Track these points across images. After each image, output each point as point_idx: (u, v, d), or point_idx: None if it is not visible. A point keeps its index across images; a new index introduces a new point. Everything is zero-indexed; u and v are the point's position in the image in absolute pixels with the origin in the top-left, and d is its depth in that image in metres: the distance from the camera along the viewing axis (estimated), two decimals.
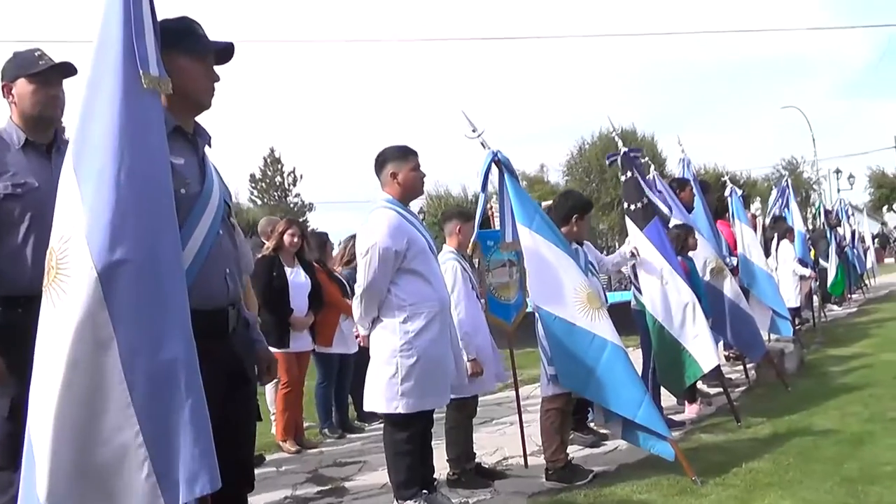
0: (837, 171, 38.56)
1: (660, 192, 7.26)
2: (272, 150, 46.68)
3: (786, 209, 13.95)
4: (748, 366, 8.49)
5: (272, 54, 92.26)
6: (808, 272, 12.00)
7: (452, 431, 5.28)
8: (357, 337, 6.72)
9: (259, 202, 45.02)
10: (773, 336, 9.67)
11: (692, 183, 8.13)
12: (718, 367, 8.40)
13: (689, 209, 7.75)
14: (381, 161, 4.52)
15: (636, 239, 6.36)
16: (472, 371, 5.11)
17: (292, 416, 6.96)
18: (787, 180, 14.18)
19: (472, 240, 5.40)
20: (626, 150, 6.49)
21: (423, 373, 4.31)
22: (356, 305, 4.45)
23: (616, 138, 6.60)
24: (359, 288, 4.40)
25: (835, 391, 7.34)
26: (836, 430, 5.83)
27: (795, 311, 12.13)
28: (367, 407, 4.56)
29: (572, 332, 4.82)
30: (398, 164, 4.46)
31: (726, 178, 10.57)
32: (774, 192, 15.23)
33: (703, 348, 6.21)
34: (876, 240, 34.43)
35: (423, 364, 4.30)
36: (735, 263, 8.46)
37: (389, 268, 4.29)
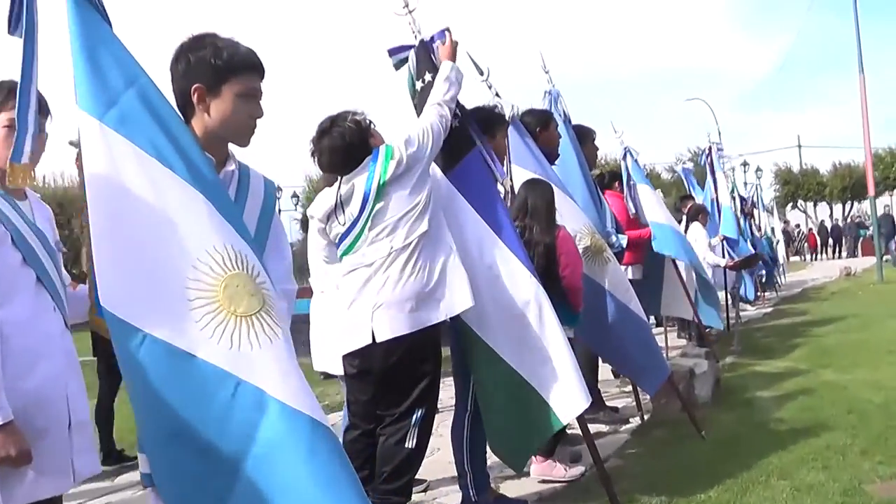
0: (745, 164, 37.09)
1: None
2: None
3: (696, 189, 11.59)
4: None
5: (164, 27, 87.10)
6: (721, 261, 9.52)
7: None
8: None
9: None
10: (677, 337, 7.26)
11: (560, 122, 5.40)
12: (598, 394, 5.77)
13: (552, 158, 5.02)
14: None
15: (440, 186, 3.58)
16: (4, 454, 2.19)
17: None
18: (710, 142, 11.47)
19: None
20: (423, 38, 3.72)
21: None
22: None
23: (412, 27, 3.75)
24: None
25: (774, 440, 4.71)
26: None
27: None
28: None
29: (185, 374, 1.93)
30: None
31: (621, 136, 7.92)
32: (682, 171, 12.86)
33: (560, 383, 3.47)
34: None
35: None
36: (624, 244, 5.76)
37: None
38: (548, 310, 3.53)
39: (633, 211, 7.28)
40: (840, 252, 36.37)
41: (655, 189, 7.66)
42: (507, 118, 4.27)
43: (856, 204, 45.06)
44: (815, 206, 47.44)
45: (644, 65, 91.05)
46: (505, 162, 4.17)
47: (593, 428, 5.39)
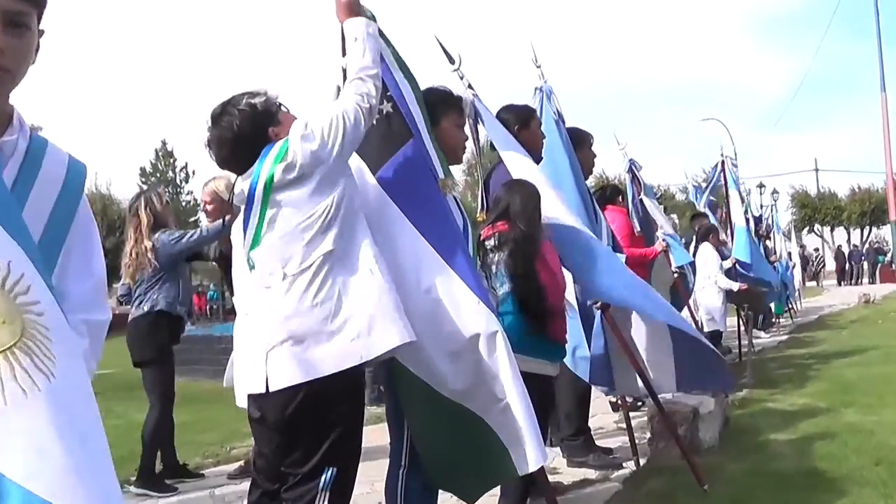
0: (761, 186, 36.28)
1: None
2: (164, 143, 43.69)
3: (708, 206, 10.90)
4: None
5: (168, 38, 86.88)
6: (735, 285, 8.79)
7: None
8: None
9: None
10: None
11: (552, 121, 4.76)
12: (588, 434, 5.11)
13: (534, 161, 4.35)
14: None
15: (367, 192, 2.90)
16: None
17: None
18: (723, 155, 10.65)
19: None
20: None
21: None
22: None
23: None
24: None
25: (789, 497, 3.99)
26: None
27: (717, 338, 9.05)
28: None
29: None
30: None
31: (624, 148, 7.30)
32: (692, 188, 12.18)
33: (515, 430, 2.79)
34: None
35: None
36: (623, 261, 5.08)
37: None
38: (501, 345, 2.80)
39: (639, 228, 6.66)
40: (855, 278, 35.45)
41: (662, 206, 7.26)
42: (461, 100, 3.57)
43: (874, 229, 44.20)
44: (832, 230, 46.58)
45: (657, 82, 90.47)
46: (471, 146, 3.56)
47: (580, 474, 4.75)
